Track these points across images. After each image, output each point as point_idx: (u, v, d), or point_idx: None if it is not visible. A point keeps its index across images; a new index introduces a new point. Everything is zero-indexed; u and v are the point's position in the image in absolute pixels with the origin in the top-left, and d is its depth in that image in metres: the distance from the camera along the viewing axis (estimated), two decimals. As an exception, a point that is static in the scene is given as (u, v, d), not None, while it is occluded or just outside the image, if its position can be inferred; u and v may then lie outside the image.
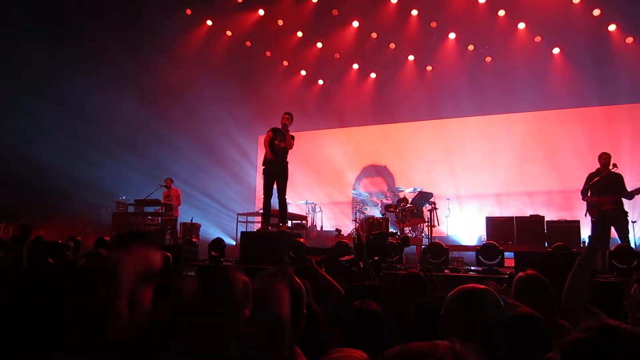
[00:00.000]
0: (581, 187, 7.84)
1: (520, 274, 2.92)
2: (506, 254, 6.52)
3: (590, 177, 7.76)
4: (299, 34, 13.00)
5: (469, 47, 12.09)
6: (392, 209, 9.58)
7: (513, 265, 6.13)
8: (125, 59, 11.37)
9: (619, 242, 7.05)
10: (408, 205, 9.48)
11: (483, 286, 2.02)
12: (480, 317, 1.88)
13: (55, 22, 10.17)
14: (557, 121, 11.83)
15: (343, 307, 3.20)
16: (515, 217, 9.01)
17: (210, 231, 11.66)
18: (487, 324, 1.87)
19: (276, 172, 7.75)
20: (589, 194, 7.70)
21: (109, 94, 11.42)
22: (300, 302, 1.98)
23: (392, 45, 12.67)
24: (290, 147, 7.80)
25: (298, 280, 2.17)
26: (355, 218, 10.50)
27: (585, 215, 7.75)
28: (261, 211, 9.71)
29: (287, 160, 7.89)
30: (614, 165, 7.60)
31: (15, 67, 10.11)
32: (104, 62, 11.17)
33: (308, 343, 2.23)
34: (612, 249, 5.74)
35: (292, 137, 7.83)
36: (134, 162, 11.78)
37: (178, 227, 10.55)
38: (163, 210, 10.27)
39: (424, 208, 9.59)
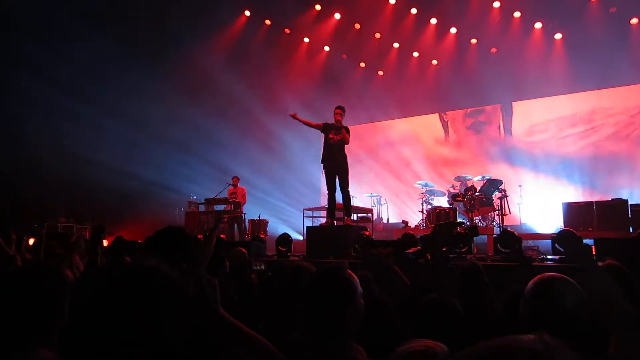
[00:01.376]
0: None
1: (600, 264, 2.75)
2: (586, 241, 6.15)
3: None
4: (357, 25, 12.92)
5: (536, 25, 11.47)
6: (459, 199, 9.29)
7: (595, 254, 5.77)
8: (186, 66, 11.82)
9: None
10: (476, 193, 9.15)
11: (561, 275, 1.91)
12: (558, 308, 1.79)
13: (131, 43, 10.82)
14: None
15: (412, 299, 3.15)
16: (595, 201, 8.45)
17: (278, 227, 11.91)
18: (567, 314, 1.77)
19: (334, 166, 7.70)
20: None
21: (170, 102, 11.95)
22: (352, 296, 1.96)
23: (454, 30, 12.27)
24: (347, 141, 7.62)
25: (352, 274, 2.14)
26: (422, 209, 10.28)
27: None
28: (326, 206, 9.82)
29: (345, 153, 7.76)
30: None
31: (90, 88, 10.82)
32: (166, 72, 11.68)
33: (375, 335, 2.22)
34: None
35: (348, 130, 7.65)
36: (203, 163, 12.29)
37: (246, 224, 10.87)
38: (232, 208, 10.63)
39: (493, 196, 9.23)
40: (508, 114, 12.42)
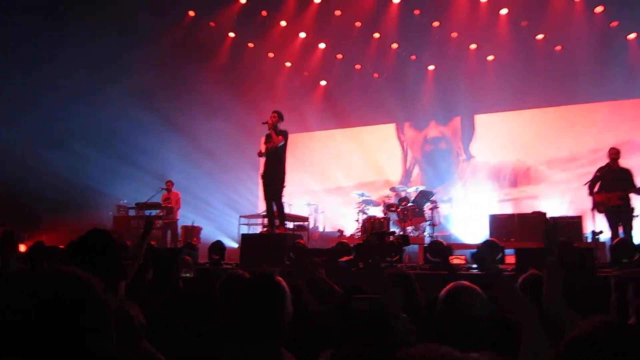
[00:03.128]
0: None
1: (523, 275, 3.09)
2: (508, 251, 6.53)
3: (598, 172, 7.74)
4: (302, 34, 13.01)
5: (470, 46, 12.11)
6: (393, 209, 9.58)
7: (515, 263, 6.14)
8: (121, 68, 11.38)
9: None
10: (409, 204, 9.48)
11: (467, 284, 2.09)
12: (465, 313, 1.95)
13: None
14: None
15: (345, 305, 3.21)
16: (517, 214, 9.01)
17: (212, 234, 11.70)
18: (472, 318, 1.93)
19: (268, 174, 7.69)
20: (595, 190, 7.67)
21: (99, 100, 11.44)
22: (283, 302, 2.01)
23: (395, 45, 12.66)
24: (277, 144, 7.48)
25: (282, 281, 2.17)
26: (358, 219, 10.49)
27: (592, 210, 7.72)
28: (263, 213, 9.77)
29: (281, 159, 7.65)
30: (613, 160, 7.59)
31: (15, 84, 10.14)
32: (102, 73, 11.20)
33: (301, 342, 2.26)
34: (614, 242, 5.73)
35: (280, 133, 7.52)
36: (133, 167, 11.84)
37: (179, 230, 10.61)
38: (164, 214, 10.32)
39: (425, 207, 9.59)
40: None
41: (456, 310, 1.99)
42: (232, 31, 12.88)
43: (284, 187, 7.76)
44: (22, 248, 7.80)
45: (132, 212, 10.72)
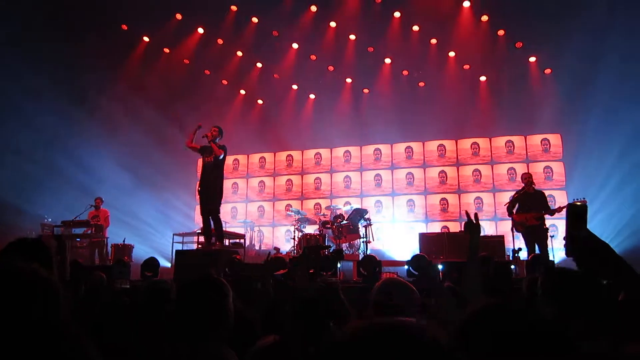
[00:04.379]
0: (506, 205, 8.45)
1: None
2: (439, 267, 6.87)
3: (515, 195, 8.41)
4: (239, 53, 13.19)
5: (403, 72, 12.76)
6: (329, 226, 9.76)
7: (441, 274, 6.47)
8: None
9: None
10: (344, 222, 9.69)
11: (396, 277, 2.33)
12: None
13: None
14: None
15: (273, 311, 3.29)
16: (447, 232, 9.49)
17: (145, 252, 11.30)
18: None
19: (205, 189, 7.68)
20: (514, 211, 8.30)
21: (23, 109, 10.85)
22: (225, 302, 2.06)
23: (331, 68, 13.10)
24: (219, 155, 7.59)
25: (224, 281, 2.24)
26: (294, 236, 10.56)
27: (512, 229, 8.35)
28: (198, 231, 9.62)
29: (219, 173, 7.72)
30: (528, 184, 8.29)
31: None
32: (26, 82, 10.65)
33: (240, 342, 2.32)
34: (529, 258, 6.21)
35: (221, 147, 7.64)
36: (62, 183, 11.28)
37: (109, 248, 10.17)
38: (92, 232, 9.87)
39: (359, 224, 9.84)
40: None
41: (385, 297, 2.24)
42: (167, 46, 12.84)
43: (221, 202, 7.73)
44: None
45: (57, 231, 10.14)
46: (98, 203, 10.38)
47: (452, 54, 12.36)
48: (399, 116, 12.30)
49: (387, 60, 12.81)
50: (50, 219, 11.04)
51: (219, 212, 7.74)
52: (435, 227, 11.95)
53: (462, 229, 10.41)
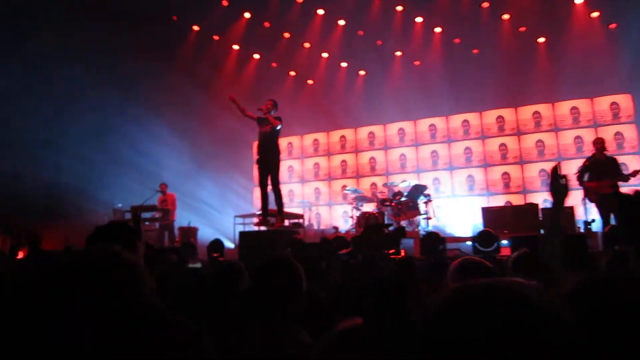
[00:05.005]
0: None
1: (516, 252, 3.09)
2: (503, 242, 6.65)
3: (585, 162, 7.90)
4: (287, 34, 13.14)
5: (455, 40, 12.26)
6: (387, 203, 9.65)
7: (510, 252, 6.24)
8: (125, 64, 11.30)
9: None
10: (403, 198, 9.55)
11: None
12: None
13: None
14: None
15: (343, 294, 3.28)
16: (509, 205, 9.13)
17: (209, 234, 11.69)
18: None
19: (264, 161, 7.69)
20: (585, 179, 7.81)
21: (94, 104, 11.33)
22: (299, 282, 2.06)
23: (379, 42, 12.80)
24: (276, 125, 7.57)
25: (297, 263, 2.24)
26: (352, 215, 10.55)
27: (583, 200, 7.88)
28: (258, 212, 9.78)
29: (276, 143, 7.70)
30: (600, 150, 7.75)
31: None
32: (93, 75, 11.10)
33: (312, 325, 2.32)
34: (606, 230, 5.85)
35: (277, 118, 7.62)
36: (129, 170, 11.77)
37: (176, 231, 10.58)
38: (160, 216, 10.29)
39: (419, 201, 9.67)
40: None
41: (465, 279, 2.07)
42: (217, 35, 12.99)
43: (279, 170, 7.75)
44: (20, 254, 7.77)
45: (128, 216, 10.65)
46: (163, 188, 10.76)
47: (506, 16, 11.71)
48: (454, 87, 11.87)
49: (437, 30, 12.33)
50: (120, 204, 11.61)
51: (279, 183, 7.75)
52: (497, 202, 11.53)
53: (526, 202, 10.02)
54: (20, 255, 7.01)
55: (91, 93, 11.05)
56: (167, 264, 4.70)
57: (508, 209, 9.11)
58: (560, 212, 2.06)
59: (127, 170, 11.68)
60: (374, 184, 13.03)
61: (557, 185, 1.94)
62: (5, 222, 9.55)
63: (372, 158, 13.48)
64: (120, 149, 11.79)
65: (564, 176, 1.94)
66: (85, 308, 1.07)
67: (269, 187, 7.75)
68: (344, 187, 12.81)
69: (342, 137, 13.97)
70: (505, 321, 0.64)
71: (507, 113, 12.22)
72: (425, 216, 9.25)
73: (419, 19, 12.20)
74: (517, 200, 11.37)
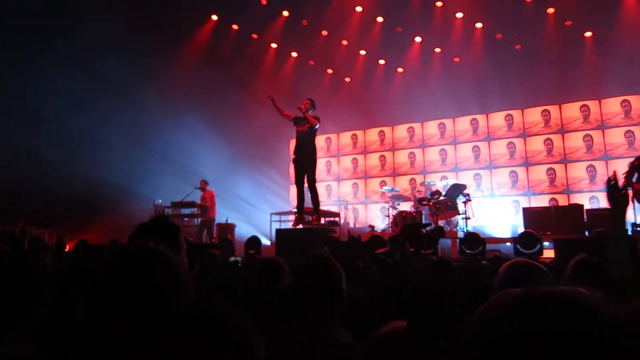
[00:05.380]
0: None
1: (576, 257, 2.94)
2: (545, 244, 6.44)
3: (635, 161, 7.54)
4: (324, 32, 13.14)
5: (497, 36, 11.96)
6: (425, 202, 9.52)
7: (554, 255, 6.04)
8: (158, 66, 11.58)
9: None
10: (441, 198, 9.40)
11: (529, 260, 2.05)
12: None
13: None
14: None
15: (381, 293, 3.26)
16: (553, 206, 8.84)
17: (245, 231, 11.86)
18: None
19: (301, 160, 7.72)
20: (634, 180, 7.46)
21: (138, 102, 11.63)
22: (339, 281, 2.05)
23: (418, 39, 12.63)
24: (314, 124, 7.60)
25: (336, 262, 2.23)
26: (389, 214, 10.47)
27: (632, 201, 7.53)
28: (294, 210, 9.85)
29: (314, 146, 7.74)
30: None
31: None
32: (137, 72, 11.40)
33: (350, 324, 2.32)
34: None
35: (316, 117, 7.66)
36: (168, 166, 12.06)
37: (214, 227, 10.78)
38: (199, 212, 10.51)
39: (458, 200, 9.49)
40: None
41: (519, 284, 1.94)
42: (255, 33, 13.17)
43: (315, 170, 7.76)
44: (67, 247, 8.08)
45: (168, 212, 10.92)
46: (202, 185, 10.98)
47: (550, 10, 11.31)
48: (496, 83, 11.58)
49: (478, 25, 12.04)
50: (160, 200, 11.93)
51: (315, 182, 7.78)
52: (541, 201, 11.19)
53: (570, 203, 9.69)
54: (67, 248, 7.30)
55: (133, 89, 11.33)
56: (207, 260, 4.77)
57: (551, 209, 8.81)
58: (620, 221, 1.94)
59: (167, 167, 11.97)
60: (412, 180, 12.91)
61: (616, 195, 1.89)
62: (50, 216, 9.93)
63: (410, 154, 13.36)
64: (161, 146, 12.08)
65: (623, 187, 1.90)
66: (136, 306, 1.09)
67: (305, 186, 7.79)
68: (382, 183, 12.76)
69: (381, 132, 13.89)
70: (569, 338, 0.58)
71: (552, 109, 11.85)
72: (464, 216, 9.06)
73: (459, 15, 11.96)
74: (562, 200, 11.02)
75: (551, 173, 11.51)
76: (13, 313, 1.59)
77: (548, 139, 11.73)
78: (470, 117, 12.66)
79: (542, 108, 11.90)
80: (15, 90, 10.02)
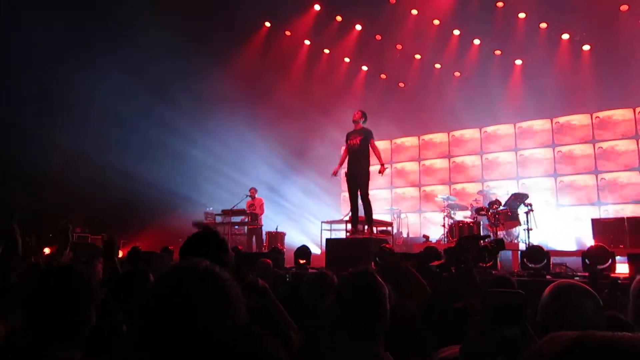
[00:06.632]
0: None
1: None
2: (618, 257, 6.02)
3: None
4: (378, 37, 13.07)
5: (562, 36, 11.40)
6: (483, 212, 9.19)
7: (629, 271, 5.65)
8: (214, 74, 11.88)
9: None
10: (501, 207, 9.03)
11: (576, 282, 1.90)
12: (577, 313, 1.75)
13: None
14: None
15: (434, 308, 3.14)
16: (627, 217, 8.26)
17: (296, 239, 11.91)
18: (586, 321, 1.73)
19: (353, 173, 7.70)
20: None
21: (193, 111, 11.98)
22: (383, 300, 1.97)
23: (477, 41, 12.28)
24: (366, 139, 7.58)
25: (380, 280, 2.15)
26: (444, 223, 10.19)
27: None
28: (346, 218, 9.80)
29: (367, 158, 7.68)
30: None
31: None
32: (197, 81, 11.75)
33: (402, 342, 2.22)
34: None
35: (370, 134, 7.65)
36: (220, 173, 12.33)
37: (264, 236, 10.89)
38: (249, 220, 10.65)
39: (519, 210, 9.08)
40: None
41: (563, 310, 1.78)
42: (308, 38, 13.23)
43: (368, 184, 7.68)
44: (120, 253, 8.42)
45: (218, 219, 11.16)
46: (252, 193, 11.14)
47: (624, 7, 10.63)
48: (559, 86, 11.06)
49: (543, 25, 11.53)
50: (211, 208, 12.21)
51: (368, 194, 7.71)
52: (612, 212, 10.50)
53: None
54: (120, 254, 7.58)
55: (186, 94, 11.68)
56: (259, 269, 4.78)
57: (624, 221, 8.22)
58: None
59: (219, 174, 12.25)
60: (468, 189, 12.52)
61: None
62: (106, 220, 10.34)
63: (466, 161, 12.98)
64: (214, 153, 12.38)
65: None
66: (186, 329, 1.08)
67: (359, 199, 7.74)
68: (435, 193, 12.46)
69: (435, 139, 13.60)
70: None
71: (625, 113, 11.14)
72: (525, 227, 8.64)
73: (521, 15, 11.51)
74: (636, 210, 10.31)
75: (623, 182, 10.81)
76: (61, 326, 1.63)
77: (620, 145, 11.03)
78: (532, 122, 12.13)
79: (616, 111, 11.21)
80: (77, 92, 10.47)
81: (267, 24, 12.96)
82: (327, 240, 8.11)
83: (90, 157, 10.54)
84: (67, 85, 10.06)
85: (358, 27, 12.94)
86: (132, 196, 10.86)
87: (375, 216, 10.04)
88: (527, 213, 8.54)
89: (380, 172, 7.59)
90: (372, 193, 8.10)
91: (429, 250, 6.06)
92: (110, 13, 10.45)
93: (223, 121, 12.14)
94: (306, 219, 13.13)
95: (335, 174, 8.20)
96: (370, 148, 7.66)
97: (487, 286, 3.59)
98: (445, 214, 10.38)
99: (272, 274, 4.61)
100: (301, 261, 7.19)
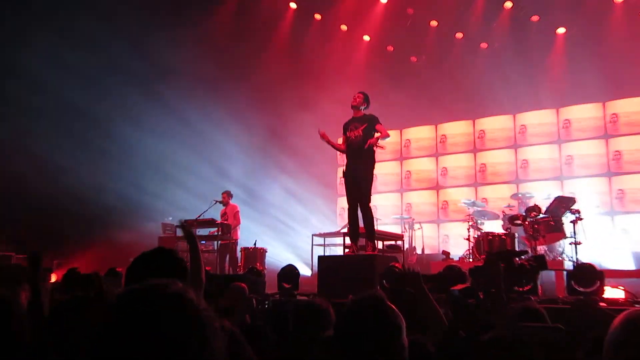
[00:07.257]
0: None
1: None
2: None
3: None
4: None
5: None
6: (519, 222, 9.22)
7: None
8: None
9: None
10: (542, 215, 9.07)
11: None
12: None
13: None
14: None
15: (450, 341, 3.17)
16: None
17: (279, 256, 11.89)
18: None
19: (352, 173, 7.59)
20: None
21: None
22: (398, 334, 1.97)
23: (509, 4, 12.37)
24: (370, 128, 7.40)
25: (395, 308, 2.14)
26: (469, 236, 10.21)
27: None
28: (343, 230, 9.75)
29: (371, 155, 7.51)
30: None
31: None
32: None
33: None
34: None
35: (370, 117, 7.50)
36: (183, 172, 12.30)
37: (238, 253, 10.81)
38: (220, 233, 10.56)
39: (564, 219, 9.13)
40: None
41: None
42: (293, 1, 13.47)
43: (371, 188, 7.61)
44: (53, 277, 8.34)
45: (179, 232, 11.08)
46: (225, 198, 11.05)
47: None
48: (614, 62, 11.16)
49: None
50: (171, 218, 12.13)
51: (369, 204, 7.60)
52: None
53: None
54: (53, 279, 7.51)
55: (146, 76, 11.75)
56: (232, 296, 4.75)
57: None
58: None
59: (181, 174, 12.22)
60: (500, 192, 12.62)
61: None
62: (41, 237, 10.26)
63: (500, 155, 13.13)
64: (174, 145, 12.40)
65: None
66: None
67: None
68: (458, 197, 12.51)
69: (457, 129, 13.70)
70: None
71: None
72: (572, 240, 8.68)
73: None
74: None
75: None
76: None
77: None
78: (583, 105, 12.22)
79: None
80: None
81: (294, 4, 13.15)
82: (320, 258, 8.08)
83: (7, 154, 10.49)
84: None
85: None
86: (68, 204, 10.75)
87: (381, 227, 10.05)
88: (574, 222, 8.58)
89: (377, 139, 7.31)
90: (378, 198, 8.06)
91: (450, 270, 6.06)
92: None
93: (185, 103, 12.12)
94: (293, 230, 13.11)
95: (323, 135, 7.76)
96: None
97: (512, 320, 3.57)
98: (470, 223, 10.42)
99: (247, 301, 4.58)
100: (286, 285, 7.15)
